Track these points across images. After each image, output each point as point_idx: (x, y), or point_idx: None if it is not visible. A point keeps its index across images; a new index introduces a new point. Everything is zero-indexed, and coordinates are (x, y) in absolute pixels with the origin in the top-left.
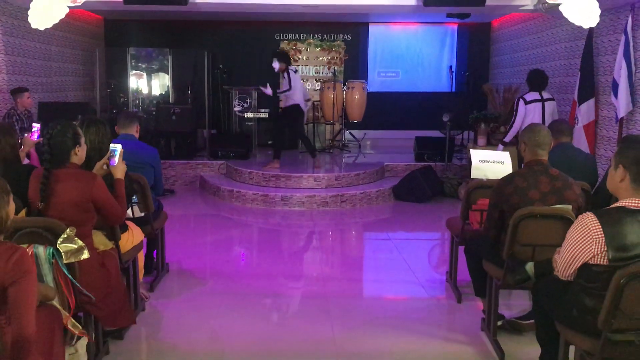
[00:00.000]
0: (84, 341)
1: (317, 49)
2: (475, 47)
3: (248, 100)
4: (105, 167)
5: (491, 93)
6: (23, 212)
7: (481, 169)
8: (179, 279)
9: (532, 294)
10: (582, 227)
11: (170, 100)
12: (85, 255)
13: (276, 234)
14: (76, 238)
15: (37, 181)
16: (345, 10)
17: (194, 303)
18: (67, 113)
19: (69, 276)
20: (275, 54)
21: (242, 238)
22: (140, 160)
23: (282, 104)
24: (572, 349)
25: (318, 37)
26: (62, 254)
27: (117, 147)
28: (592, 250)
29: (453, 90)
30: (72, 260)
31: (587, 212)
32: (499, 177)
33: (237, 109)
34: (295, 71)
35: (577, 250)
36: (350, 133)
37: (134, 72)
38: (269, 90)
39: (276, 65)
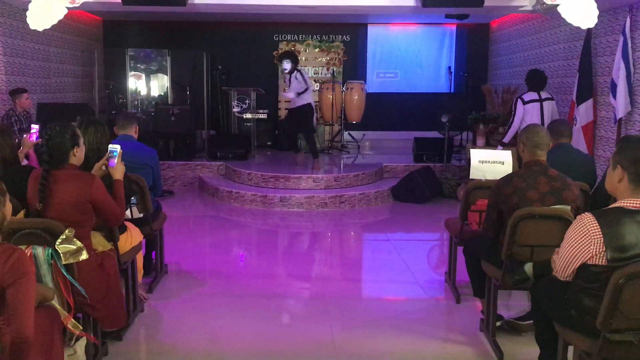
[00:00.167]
0: (82, 342)
1: (316, 50)
2: (474, 48)
3: (247, 101)
4: (104, 168)
5: (490, 94)
6: (22, 213)
7: (480, 169)
8: (178, 280)
9: (530, 294)
10: (580, 228)
11: (169, 101)
12: (84, 256)
13: (275, 235)
14: (75, 239)
15: (36, 182)
16: (344, 11)
17: (192, 304)
18: (66, 114)
19: (68, 277)
20: (287, 55)
21: (241, 239)
22: (139, 161)
23: (291, 104)
24: (570, 349)
25: (317, 38)
26: (61, 254)
27: (116, 148)
28: (591, 251)
29: (452, 91)
30: (71, 261)
31: (586, 213)
32: (498, 178)
33: (235, 109)
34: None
35: (576, 250)
36: (349, 134)
37: (132, 73)
38: (292, 94)
39: (288, 66)
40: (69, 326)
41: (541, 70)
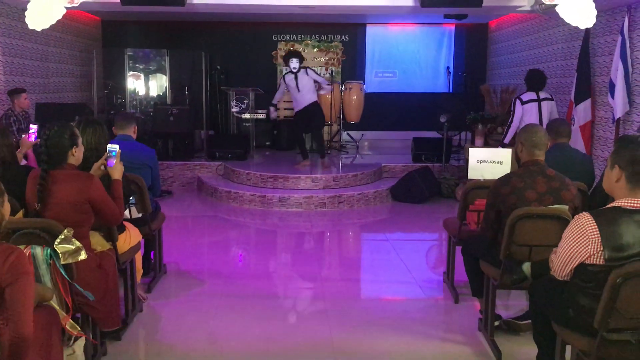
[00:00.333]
0: (81, 342)
1: (315, 50)
2: (473, 48)
3: (245, 101)
4: (102, 167)
5: (488, 94)
6: (20, 213)
7: (478, 169)
8: (177, 280)
9: (529, 294)
10: (578, 227)
11: (168, 101)
12: (83, 256)
13: (274, 235)
14: (74, 239)
15: (35, 182)
16: (343, 11)
17: (191, 304)
18: (65, 114)
19: (67, 277)
20: (295, 54)
21: (239, 239)
22: (138, 161)
23: (298, 105)
24: (568, 348)
25: (315, 38)
26: (60, 254)
27: (114, 148)
28: (588, 250)
29: (450, 91)
30: (70, 261)
31: (583, 212)
32: (496, 178)
33: (234, 110)
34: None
35: (574, 250)
36: (347, 134)
37: (131, 73)
38: (329, 87)
39: (297, 65)
40: (67, 327)
41: (540, 70)
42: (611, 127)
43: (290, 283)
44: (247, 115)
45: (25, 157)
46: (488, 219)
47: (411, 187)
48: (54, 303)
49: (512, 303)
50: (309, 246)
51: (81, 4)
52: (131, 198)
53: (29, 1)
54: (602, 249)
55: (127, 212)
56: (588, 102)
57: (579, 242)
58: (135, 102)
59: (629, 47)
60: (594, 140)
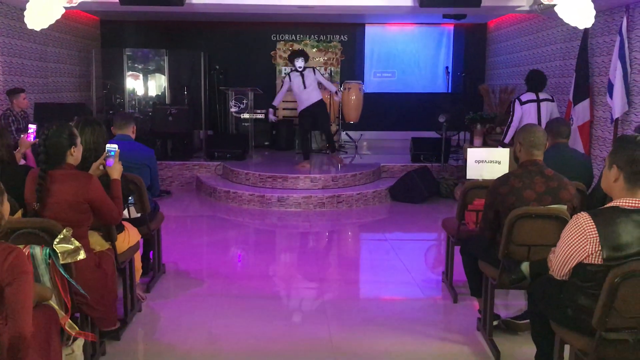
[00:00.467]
0: (80, 341)
1: (314, 50)
2: (472, 48)
3: (244, 101)
4: (101, 167)
5: (487, 94)
6: (19, 213)
7: (477, 169)
8: (176, 280)
9: (527, 293)
10: (576, 227)
11: (167, 101)
12: (82, 255)
13: (272, 235)
14: (73, 239)
15: (33, 182)
16: (342, 11)
17: (190, 304)
18: (63, 114)
19: (66, 276)
20: (301, 53)
21: (238, 239)
22: (137, 161)
23: (304, 104)
24: (567, 348)
25: (314, 38)
26: (59, 254)
27: (113, 148)
28: (587, 250)
29: (449, 91)
30: (69, 260)
31: (582, 212)
32: (495, 177)
33: (233, 109)
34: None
35: (572, 249)
36: (346, 134)
37: (130, 73)
38: (339, 95)
39: (302, 63)
40: (66, 327)
41: (541, 71)
42: (609, 127)
43: (289, 283)
44: (246, 115)
45: (24, 156)
46: (487, 218)
47: (410, 187)
48: (53, 303)
49: (511, 303)
50: (308, 246)
51: (80, 3)
52: (130, 198)
53: (28, 1)
54: (600, 248)
55: (126, 212)
56: (586, 102)
57: (578, 241)
58: (134, 102)
59: (628, 47)
60: (592, 140)
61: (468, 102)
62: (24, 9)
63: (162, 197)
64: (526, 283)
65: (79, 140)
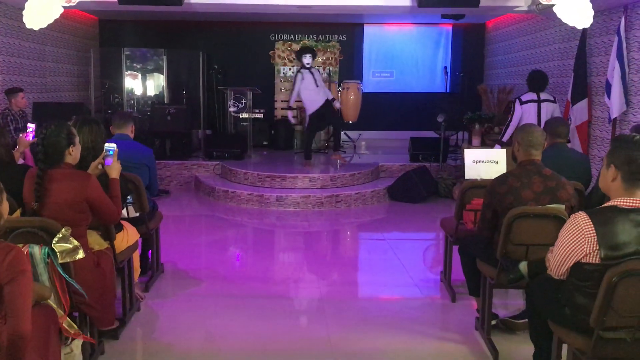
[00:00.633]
0: (79, 341)
1: None
2: (470, 48)
3: (243, 101)
4: (100, 167)
5: (485, 94)
6: (18, 212)
7: (475, 169)
8: (174, 279)
9: (525, 293)
10: (574, 226)
11: (165, 100)
12: (81, 255)
13: (271, 235)
14: (71, 238)
15: (32, 181)
16: (340, 11)
17: (189, 303)
18: (62, 113)
19: (65, 275)
20: (309, 50)
21: (237, 238)
22: (135, 161)
23: (313, 106)
24: (565, 347)
25: (313, 38)
26: (58, 253)
27: (112, 147)
28: (585, 249)
29: (447, 91)
30: (67, 260)
31: (580, 212)
32: (493, 177)
33: (232, 109)
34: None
35: (570, 249)
36: (345, 134)
37: (128, 72)
38: (337, 104)
39: (310, 60)
40: (64, 326)
41: (542, 71)
42: (607, 127)
43: (288, 282)
44: (245, 115)
45: (23, 156)
46: (485, 218)
47: (408, 187)
48: (51, 302)
49: (509, 302)
50: (307, 246)
51: (78, 3)
52: (128, 197)
53: (26, 0)
54: (598, 247)
55: (124, 211)
56: (585, 102)
57: (575, 241)
58: (132, 102)
59: (626, 47)
60: (590, 140)
61: (466, 102)
62: (23, 9)
63: (160, 197)
64: (524, 282)
65: (77, 139)
